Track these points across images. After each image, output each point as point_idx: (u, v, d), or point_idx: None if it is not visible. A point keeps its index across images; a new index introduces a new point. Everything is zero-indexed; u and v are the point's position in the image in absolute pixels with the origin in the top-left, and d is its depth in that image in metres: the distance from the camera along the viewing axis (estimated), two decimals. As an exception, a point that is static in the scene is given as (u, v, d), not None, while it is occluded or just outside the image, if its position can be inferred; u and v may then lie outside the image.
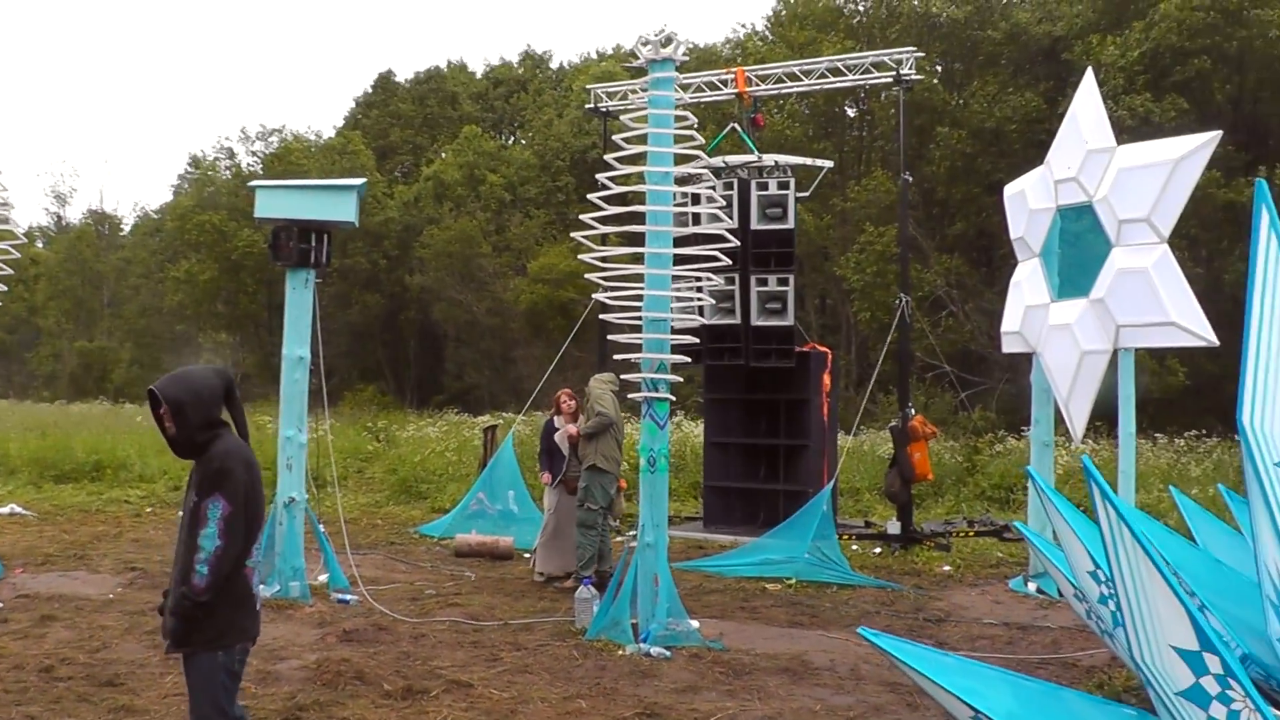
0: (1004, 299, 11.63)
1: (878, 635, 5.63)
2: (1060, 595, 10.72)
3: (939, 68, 29.93)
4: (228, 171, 47.22)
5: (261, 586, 5.06)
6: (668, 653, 8.36)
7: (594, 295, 9.73)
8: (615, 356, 9.73)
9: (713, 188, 12.30)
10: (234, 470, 4.63)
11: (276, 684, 7.34)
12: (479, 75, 54.04)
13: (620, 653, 8.38)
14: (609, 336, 9.58)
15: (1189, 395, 22.05)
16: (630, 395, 9.32)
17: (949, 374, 22.11)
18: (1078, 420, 10.06)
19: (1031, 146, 25.86)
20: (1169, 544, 4.38)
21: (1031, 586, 11.24)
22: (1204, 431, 20.17)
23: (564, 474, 11.41)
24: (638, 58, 9.13)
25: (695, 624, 8.94)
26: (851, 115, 34.83)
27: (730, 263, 10.36)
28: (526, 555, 12.10)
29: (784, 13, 35.94)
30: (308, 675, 7.53)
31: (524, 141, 47.55)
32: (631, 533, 12.34)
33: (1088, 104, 10.33)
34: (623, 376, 10.02)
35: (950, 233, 29.94)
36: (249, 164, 47.73)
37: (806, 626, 9.67)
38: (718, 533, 14.38)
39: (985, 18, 29.27)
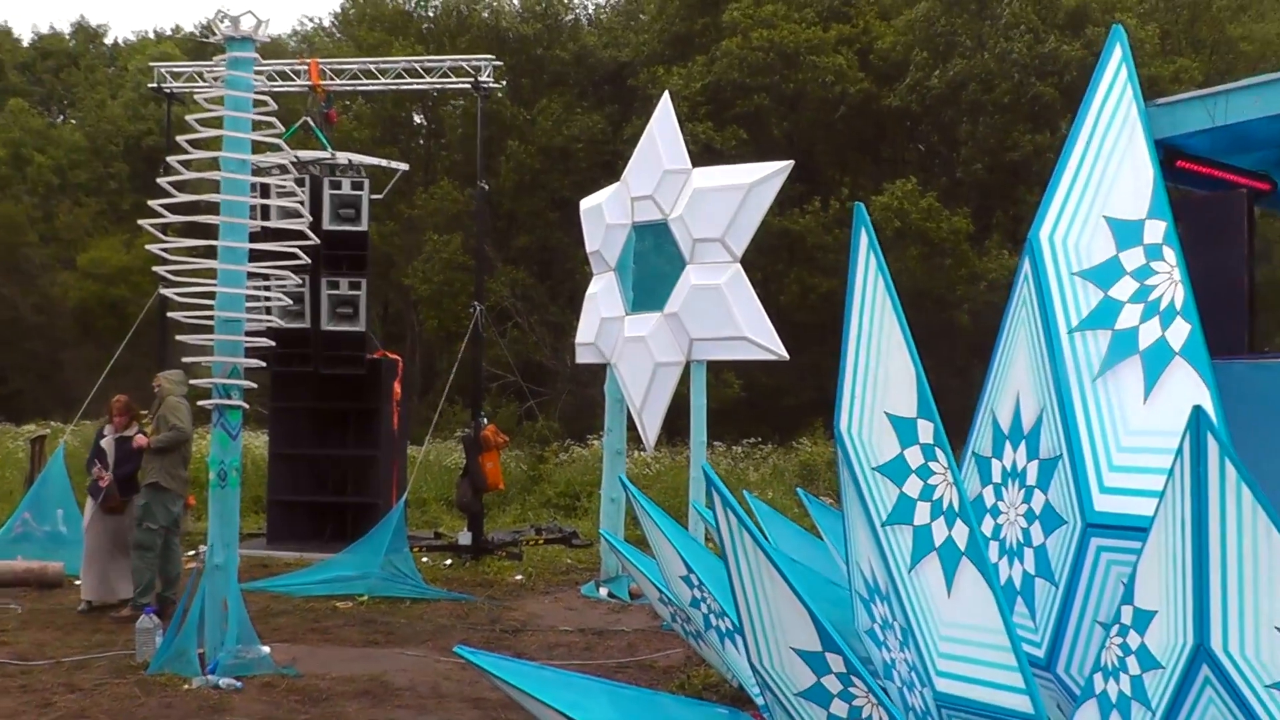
0: (567, 312, 11.90)
1: (476, 653, 5.46)
2: (631, 599, 11.10)
3: (505, 82, 30.37)
4: None
5: None
6: (238, 683, 7.74)
7: (160, 290, 8.87)
8: (184, 359, 8.91)
9: (286, 181, 11.63)
10: None
11: None
12: (25, 44, 48.46)
13: (186, 687, 7.66)
14: (178, 337, 8.74)
15: (743, 406, 23.72)
16: (200, 402, 8.56)
17: (515, 383, 22.44)
18: (650, 429, 10.46)
19: (597, 166, 26.83)
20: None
21: (603, 592, 11.53)
22: (760, 439, 21.75)
23: (106, 492, 10.33)
24: (201, 37, 8.46)
25: (266, 650, 8.33)
26: (419, 122, 34.60)
27: (309, 261, 9.84)
28: (78, 583, 10.84)
29: (353, 11, 35.10)
30: None
31: (74, 121, 43.08)
32: (191, 553, 11.43)
33: (665, 126, 10.75)
34: (193, 381, 9.20)
35: (515, 245, 30.47)
36: None
37: (382, 645, 9.35)
38: (283, 549, 13.63)
39: (554, 37, 30.07)
